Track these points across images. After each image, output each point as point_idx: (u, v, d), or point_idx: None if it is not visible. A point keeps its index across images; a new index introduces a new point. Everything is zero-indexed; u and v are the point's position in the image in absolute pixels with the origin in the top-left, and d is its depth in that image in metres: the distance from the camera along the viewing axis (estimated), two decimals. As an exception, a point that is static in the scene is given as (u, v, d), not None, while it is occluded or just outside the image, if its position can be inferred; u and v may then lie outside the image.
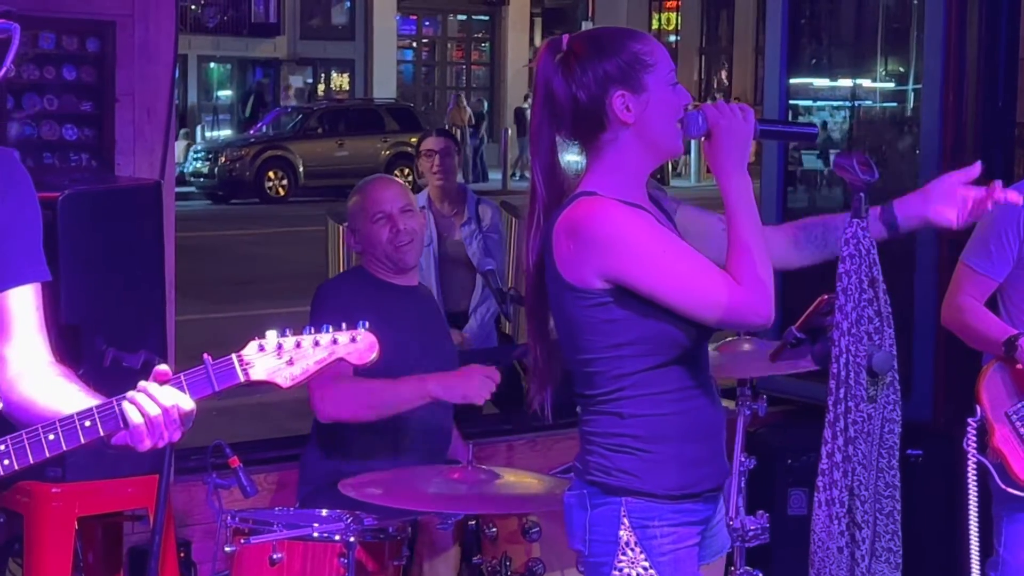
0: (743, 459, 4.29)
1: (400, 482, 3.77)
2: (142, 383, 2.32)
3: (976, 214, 2.95)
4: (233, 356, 2.31)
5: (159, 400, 2.29)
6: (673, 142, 2.82)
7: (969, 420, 3.94)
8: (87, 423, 2.30)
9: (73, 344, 3.70)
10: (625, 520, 2.78)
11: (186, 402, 2.30)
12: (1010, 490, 3.96)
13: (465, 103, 29.75)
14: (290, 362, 2.33)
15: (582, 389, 2.85)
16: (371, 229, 4.15)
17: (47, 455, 2.31)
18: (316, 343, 2.34)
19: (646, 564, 2.77)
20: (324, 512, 3.77)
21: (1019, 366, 3.95)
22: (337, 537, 3.63)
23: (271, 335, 2.32)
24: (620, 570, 2.78)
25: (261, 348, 2.31)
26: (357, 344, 2.36)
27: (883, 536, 2.77)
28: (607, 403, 2.81)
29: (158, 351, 3.85)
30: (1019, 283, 4.08)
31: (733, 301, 2.67)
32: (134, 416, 2.30)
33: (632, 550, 2.77)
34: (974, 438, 3.94)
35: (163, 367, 2.33)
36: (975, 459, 3.92)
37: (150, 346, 3.80)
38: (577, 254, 2.75)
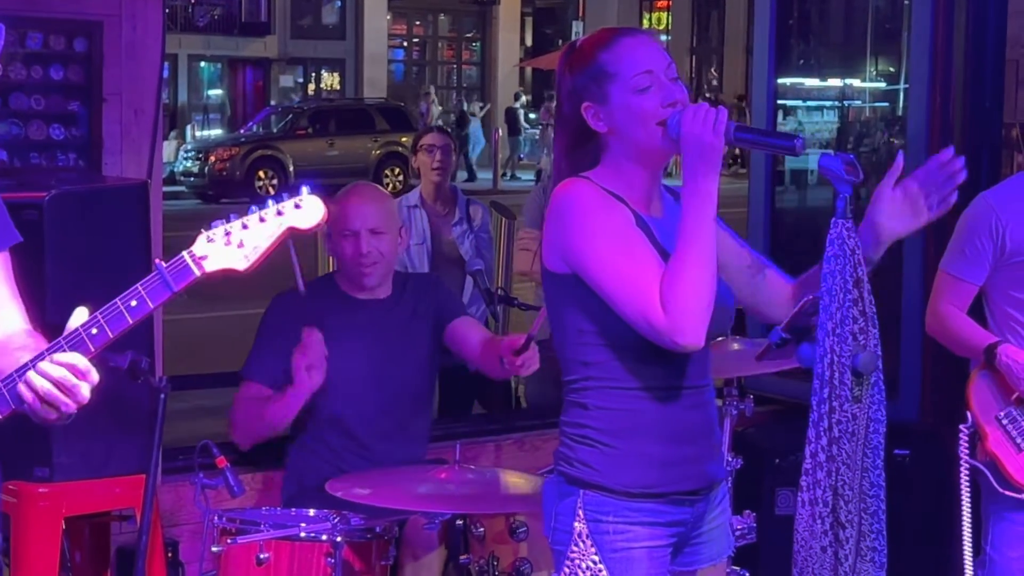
0: (730, 459, 4.29)
1: (387, 482, 3.78)
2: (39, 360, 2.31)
3: (941, 199, 2.81)
4: (184, 253, 2.31)
5: (48, 373, 2.28)
6: (654, 143, 2.79)
7: (961, 427, 3.98)
8: None
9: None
10: (580, 512, 2.79)
11: (79, 361, 2.29)
12: (1007, 492, 3.99)
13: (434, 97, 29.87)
14: (240, 245, 2.32)
15: (562, 376, 2.87)
16: (338, 242, 4.13)
17: None
18: (262, 219, 2.33)
19: (596, 558, 2.77)
20: (311, 512, 3.78)
21: (1004, 373, 3.99)
22: (324, 537, 3.64)
23: (216, 224, 2.32)
24: (572, 560, 2.79)
25: (210, 240, 2.31)
26: (303, 210, 2.35)
27: (868, 535, 2.77)
28: (575, 392, 2.83)
29: (145, 350, 3.84)
30: (1001, 286, 4.11)
31: (653, 321, 2.66)
32: (25, 394, 2.29)
33: (583, 542, 2.78)
34: (967, 444, 3.97)
35: (79, 311, 2.32)
36: (968, 465, 3.95)
37: (137, 345, 3.79)
38: (549, 232, 2.78)
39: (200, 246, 2.30)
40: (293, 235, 2.35)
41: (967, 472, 3.97)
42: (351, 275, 4.14)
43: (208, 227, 2.30)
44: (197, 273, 2.30)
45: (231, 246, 2.30)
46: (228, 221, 2.32)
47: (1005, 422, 3.99)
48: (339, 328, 4.06)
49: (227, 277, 2.35)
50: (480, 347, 4.10)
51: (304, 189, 2.35)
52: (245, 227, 2.31)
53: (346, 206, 4.14)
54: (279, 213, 2.33)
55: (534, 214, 5.87)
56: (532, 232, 5.77)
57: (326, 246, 4.25)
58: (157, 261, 2.30)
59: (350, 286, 4.17)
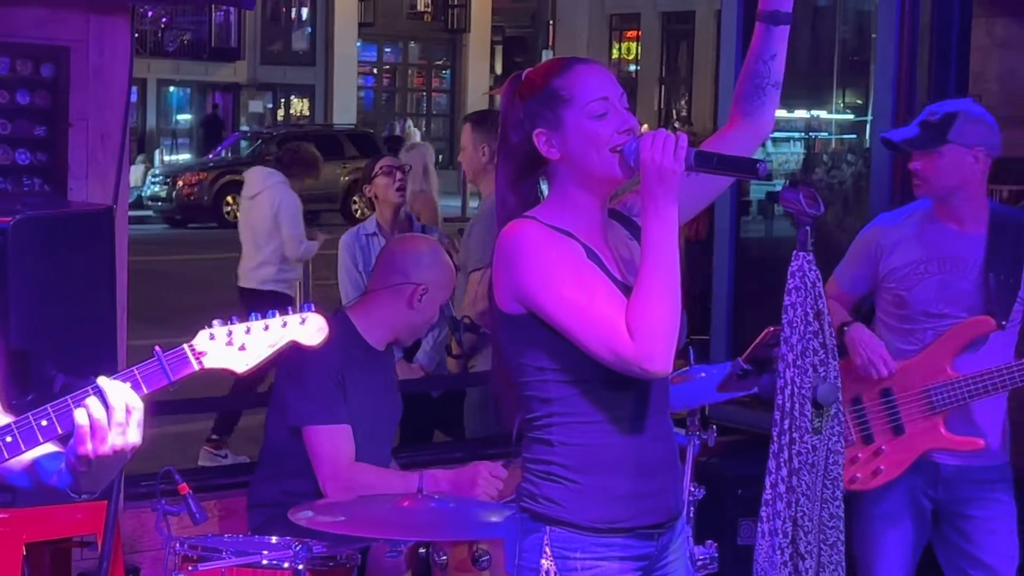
0: (692, 488, 4.30)
1: (350, 511, 3.77)
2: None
3: None
4: (184, 346, 2.32)
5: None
6: (608, 170, 2.77)
7: None
8: (8, 438, 2.29)
9: (23, 370, 3.68)
10: (547, 549, 2.77)
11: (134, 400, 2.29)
12: None
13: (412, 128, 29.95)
14: (242, 348, 2.33)
15: (522, 414, 2.85)
16: (427, 307, 4.18)
17: None
18: (266, 327, 2.35)
19: None
20: (274, 539, 3.76)
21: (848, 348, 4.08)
22: (286, 564, 3.62)
23: (218, 324, 2.34)
24: None
25: (212, 337, 2.32)
26: (306, 326, 2.37)
27: (827, 567, 2.79)
28: (538, 429, 2.81)
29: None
30: (886, 305, 4.21)
31: (620, 350, 2.64)
32: (80, 418, 2.29)
33: None
34: None
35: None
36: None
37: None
38: (499, 275, 2.77)
39: (201, 341, 2.32)
40: (293, 347, 2.37)
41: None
42: (413, 330, 4.26)
43: (210, 324, 2.32)
44: (196, 367, 2.31)
45: (232, 347, 2.33)
46: (231, 322, 2.33)
47: (853, 412, 4.13)
48: (360, 374, 4.09)
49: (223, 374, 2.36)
50: None
51: (308, 308, 2.39)
52: (248, 331, 2.34)
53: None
54: (283, 325, 2.36)
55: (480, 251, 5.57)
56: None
57: (409, 294, 4.16)
58: (156, 348, 2.31)
59: (377, 336, 4.17)
